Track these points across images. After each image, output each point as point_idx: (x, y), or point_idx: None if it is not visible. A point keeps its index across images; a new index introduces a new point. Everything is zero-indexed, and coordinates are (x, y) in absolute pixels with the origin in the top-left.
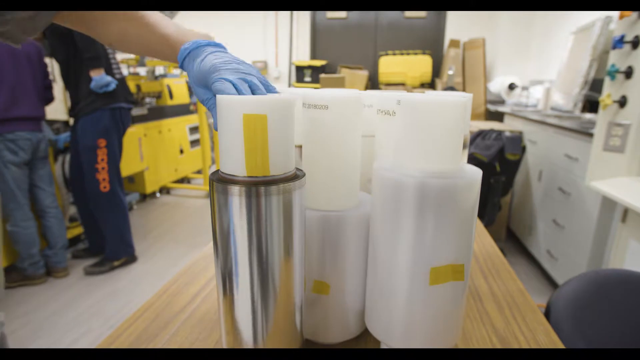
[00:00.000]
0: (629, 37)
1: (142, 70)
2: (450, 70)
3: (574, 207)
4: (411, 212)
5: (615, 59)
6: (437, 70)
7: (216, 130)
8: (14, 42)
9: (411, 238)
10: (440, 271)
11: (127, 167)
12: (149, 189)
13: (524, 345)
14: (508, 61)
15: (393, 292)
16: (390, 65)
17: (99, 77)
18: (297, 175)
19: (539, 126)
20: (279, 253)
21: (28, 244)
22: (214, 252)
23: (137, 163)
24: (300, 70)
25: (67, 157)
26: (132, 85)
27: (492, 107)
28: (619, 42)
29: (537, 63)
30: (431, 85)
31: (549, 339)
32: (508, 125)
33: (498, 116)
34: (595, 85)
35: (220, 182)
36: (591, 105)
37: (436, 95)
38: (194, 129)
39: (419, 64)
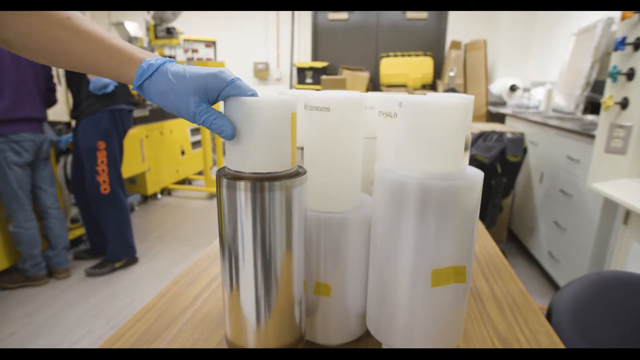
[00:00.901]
0: (631, 39)
1: None
2: (451, 72)
3: (576, 209)
4: (413, 213)
5: (617, 60)
6: (438, 72)
7: (229, 138)
8: None
9: (413, 240)
10: (442, 273)
11: (129, 169)
12: (150, 190)
13: (525, 347)
14: (509, 62)
15: (394, 293)
16: (391, 66)
17: (95, 78)
18: (299, 173)
19: (540, 128)
20: (280, 245)
21: (30, 245)
22: (219, 244)
23: (138, 164)
24: (301, 71)
25: (69, 159)
26: None
27: (493, 109)
28: (621, 43)
29: (539, 64)
30: (432, 87)
31: (550, 340)
32: (509, 127)
33: (499, 118)
34: (597, 87)
35: (227, 177)
36: (593, 106)
37: (438, 97)
38: (195, 131)
39: (420, 66)
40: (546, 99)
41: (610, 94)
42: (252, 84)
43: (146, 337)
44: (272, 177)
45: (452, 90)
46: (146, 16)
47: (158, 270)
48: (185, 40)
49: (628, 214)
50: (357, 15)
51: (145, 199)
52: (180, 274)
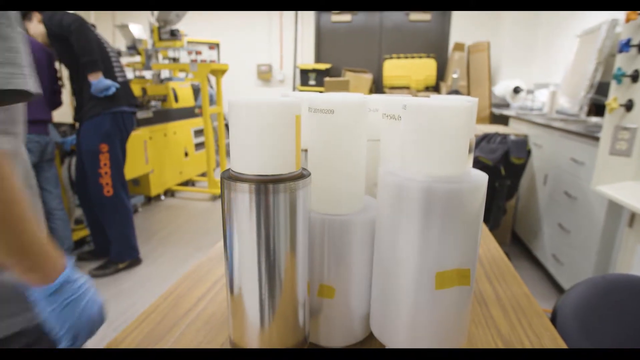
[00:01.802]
0: (635, 41)
1: (147, 74)
2: (454, 74)
3: (580, 211)
4: (417, 216)
5: (622, 62)
6: (441, 74)
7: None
8: None
9: (417, 242)
10: (446, 276)
11: (132, 170)
12: (153, 192)
13: None
14: (513, 64)
15: (398, 296)
16: (394, 68)
17: (96, 81)
18: (303, 175)
19: (544, 130)
20: (284, 247)
21: None
22: (223, 246)
23: (142, 166)
24: (304, 73)
25: (74, 160)
26: (137, 89)
27: (497, 111)
28: (625, 45)
29: (542, 66)
30: (436, 89)
31: (555, 343)
32: (513, 129)
33: (503, 120)
34: (601, 89)
35: (231, 179)
36: (597, 108)
37: (442, 100)
38: (198, 132)
39: (424, 67)
40: (550, 101)
41: (615, 96)
42: (256, 85)
43: (150, 338)
44: (277, 180)
45: (456, 92)
46: (150, 18)
47: (162, 272)
48: (189, 42)
49: (633, 216)
50: (360, 17)
51: (149, 200)
52: (184, 275)
